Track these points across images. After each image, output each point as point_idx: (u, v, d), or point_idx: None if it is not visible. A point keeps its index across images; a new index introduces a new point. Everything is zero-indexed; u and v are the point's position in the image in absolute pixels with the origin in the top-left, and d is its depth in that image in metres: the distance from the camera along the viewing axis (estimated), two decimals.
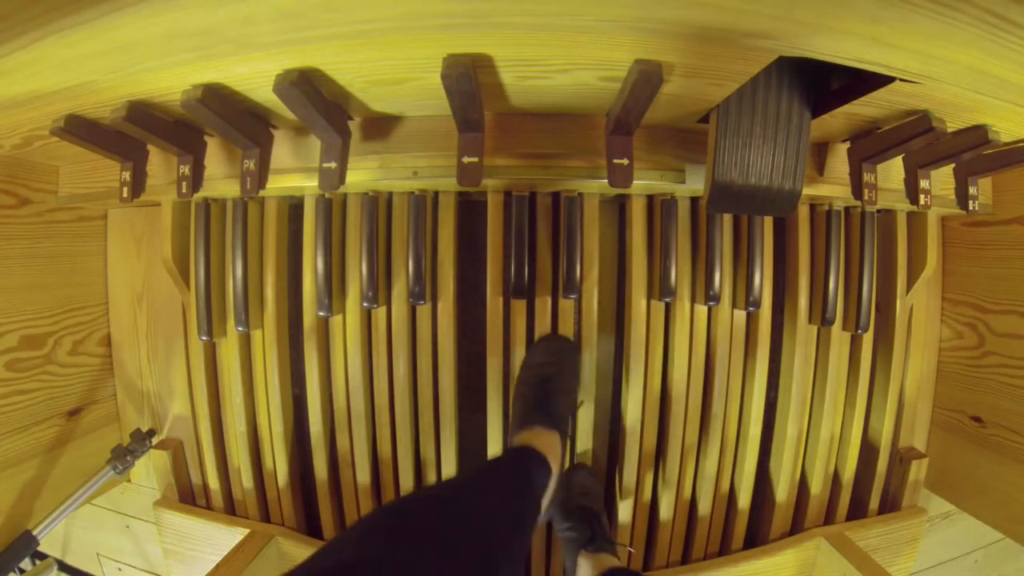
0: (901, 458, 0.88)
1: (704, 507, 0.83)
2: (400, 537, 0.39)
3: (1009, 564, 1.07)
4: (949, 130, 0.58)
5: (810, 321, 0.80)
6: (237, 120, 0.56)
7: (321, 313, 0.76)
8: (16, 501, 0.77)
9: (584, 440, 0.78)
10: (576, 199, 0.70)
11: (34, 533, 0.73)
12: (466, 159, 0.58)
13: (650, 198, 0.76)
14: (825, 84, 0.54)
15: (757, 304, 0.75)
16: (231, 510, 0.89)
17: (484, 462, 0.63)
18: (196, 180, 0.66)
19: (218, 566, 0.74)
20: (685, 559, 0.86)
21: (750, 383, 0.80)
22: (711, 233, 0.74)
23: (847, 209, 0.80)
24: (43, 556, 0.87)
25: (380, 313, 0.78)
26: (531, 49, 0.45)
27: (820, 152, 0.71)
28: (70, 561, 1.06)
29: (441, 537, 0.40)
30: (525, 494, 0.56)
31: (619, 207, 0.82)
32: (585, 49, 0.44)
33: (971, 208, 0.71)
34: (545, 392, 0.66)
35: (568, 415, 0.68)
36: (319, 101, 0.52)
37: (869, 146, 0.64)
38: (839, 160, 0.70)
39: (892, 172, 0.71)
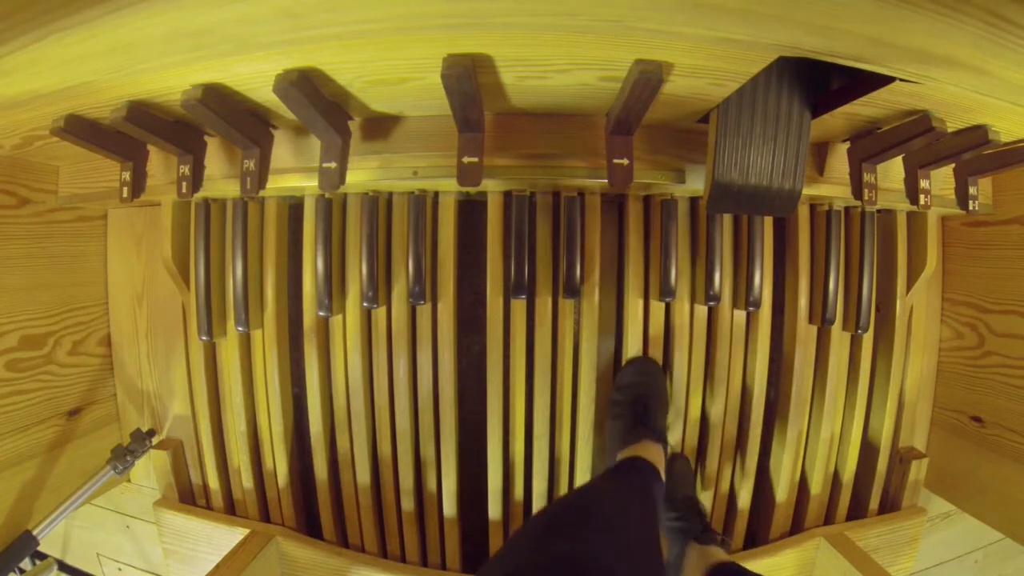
0: (901, 458, 0.88)
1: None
2: (584, 536, 0.44)
3: (1009, 564, 1.07)
4: (949, 130, 0.58)
5: (810, 321, 0.80)
6: (237, 120, 0.56)
7: (321, 313, 0.76)
8: (16, 501, 0.77)
9: (584, 440, 0.78)
10: (576, 199, 0.70)
11: (34, 533, 0.73)
12: (466, 159, 0.58)
13: (650, 198, 0.76)
14: (825, 84, 0.54)
15: (757, 304, 0.75)
16: (231, 510, 0.89)
17: (610, 474, 0.66)
18: (196, 180, 0.66)
19: (218, 566, 0.74)
20: None
21: (750, 383, 0.80)
22: (711, 233, 0.74)
23: (847, 209, 0.80)
24: (43, 556, 0.87)
25: (380, 313, 0.78)
26: (531, 49, 0.45)
27: (820, 152, 0.71)
28: (70, 561, 1.06)
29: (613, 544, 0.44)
30: (653, 504, 0.60)
31: (619, 207, 0.82)
32: (585, 49, 0.44)
33: (971, 208, 0.71)
34: (644, 408, 0.71)
35: (665, 428, 0.74)
36: (319, 101, 0.52)
37: (869, 146, 0.64)
38: (839, 160, 0.70)
39: (892, 172, 0.71)
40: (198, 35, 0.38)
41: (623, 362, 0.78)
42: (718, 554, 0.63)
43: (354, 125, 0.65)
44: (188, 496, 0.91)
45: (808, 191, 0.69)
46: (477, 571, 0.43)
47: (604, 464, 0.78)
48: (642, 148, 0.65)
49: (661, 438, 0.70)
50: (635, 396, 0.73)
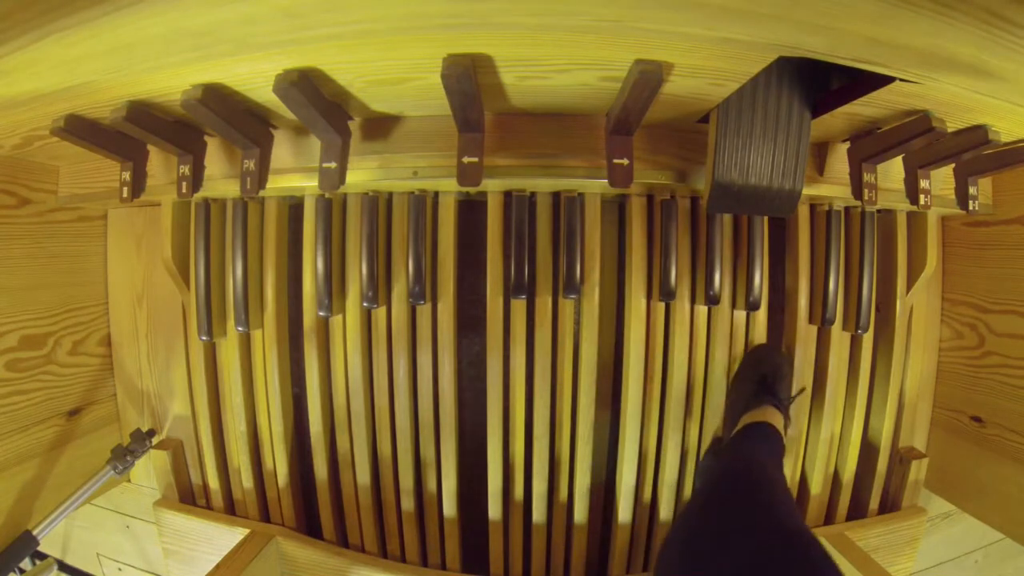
0: (901, 458, 0.88)
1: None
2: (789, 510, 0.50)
3: (1009, 564, 1.07)
4: (949, 130, 0.58)
5: (810, 321, 0.80)
6: (237, 120, 0.56)
7: (321, 313, 0.76)
8: (16, 501, 0.77)
9: (584, 440, 0.78)
10: (576, 199, 0.70)
11: (34, 533, 0.73)
12: (466, 159, 0.58)
13: (650, 198, 0.76)
14: (825, 84, 0.54)
15: (757, 304, 0.75)
16: (231, 510, 0.89)
17: (749, 441, 0.70)
18: (196, 180, 0.66)
19: (218, 566, 0.74)
20: None
21: None
22: (711, 233, 0.74)
23: (847, 209, 0.80)
24: (43, 556, 0.87)
25: (380, 313, 0.78)
26: (531, 49, 0.45)
27: (820, 152, 0.71)
28: (70, 561, 1.06)
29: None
30: (780, 464, 0.68)
31: (619, 207, 0.82)
32: (585, 49, 0.44)
33: (971, 208, 0.71)
34: (773, 380, 0.75)
35: (788, 399, 0.78)
36: (319, 101, 0.52)
37: (869, 146, 0.64)
38: (839, 160, 0.70)
39: (892, 172, 0.71)
40: (198, 35, 0.38)
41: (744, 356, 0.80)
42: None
43: (354, 125, 0.65)
44: (188, 496, 0.91)
45: (808, 191, 0.69)
46: (671, 545, 0.47)
47: (724, 428, 0.81)
48: (642, 148, 0.65)
49: (784, 408, 0.74)
50: (759, 374, 0.76)
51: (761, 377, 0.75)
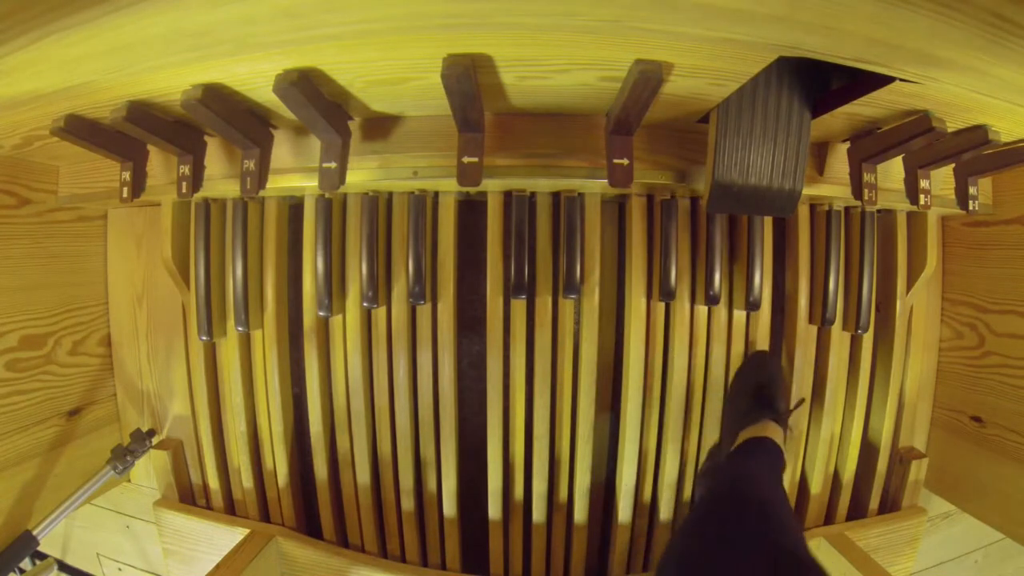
0: (901, 458, 0.88)
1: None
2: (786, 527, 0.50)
3: (1009, 564, 1.07)
4: (949, 130, 0.58)
5: (810, 321, 0.80)
6: (237, 120, 0.56)
7: (321, 313, 0.76)
8: (16, 501, 0.77)
9: (584, 440, 0.78)
10: (576, 199, 0.70)
11: (34, 533, 0.73)
12: (466, 159, 0.58)
13: (650, 198, 0.76)
14: (825, 84, 0.54)
15: (757, 304, 0.75)
16: (231, 510, 0.89)
17: (750, 457, 0.69)
18: (196, 180, 0.66)
19: (218, 566, 0.74)
20: None
21: None
22: (711, 233, 0.74)
23: (847, 209, 0.80)
24: (43, 556, 0.87)
25: (380, 313, 0.78)
26: (531, 49, 0.45)
27: (820, 152, 0.71)
28: (70, 561, 1.06)
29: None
30: (781, 479, 0.67)
31: (619, 207, 0.82)
32: (585, 49, 0.44)
33: (971, 208, 0.71)
34: (771, 394, 0.74)
35: (786, 411, 0.77)
36: (319, 101, 0.52)
37: (869, 146, 0.64)
38: (839, 160, 0.70)
39: (892, 172, 0.71)
40: (198, 35, 0.38)
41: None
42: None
43: (354, 125, 0.65)
44: (188, 496, 0.91)
45: (808, 191, 0.69)
46: (666, 568, 0.47)
47: (722, 440, 0.80)
48: (642, 148, 0.65)
49: (783, 421, 0.73)
50: (759, 378, 0.75)
51: (759, 388, 0.74)
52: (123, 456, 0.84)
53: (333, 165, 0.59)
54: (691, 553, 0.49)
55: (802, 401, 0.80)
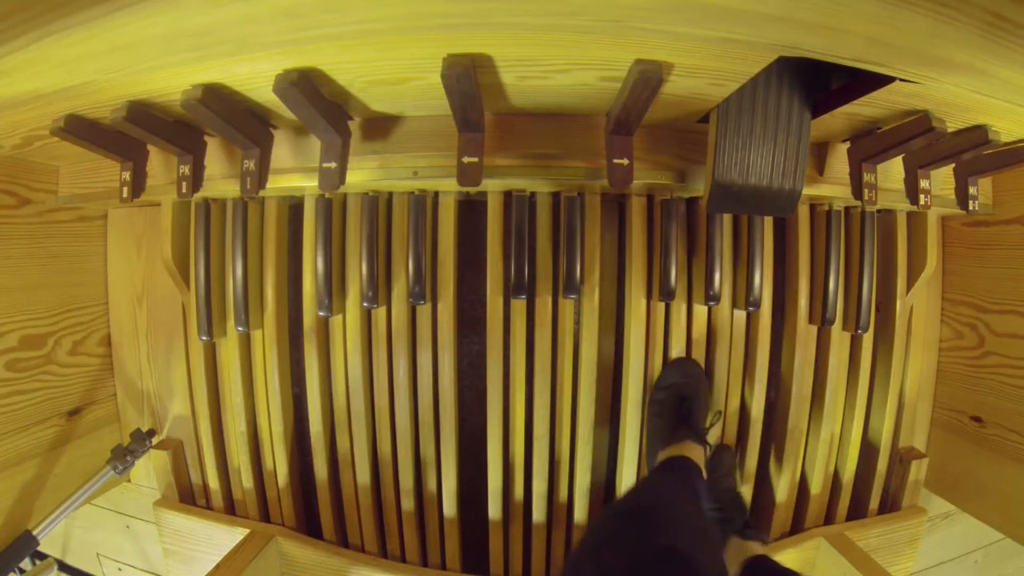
0: (901, 458, 0.88)
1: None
2: (672, 531, 0.47)
3: (1009, 564, 1.07)
4: (949, 130, 0.58)
5: (810, 321, 0.80)
6: (237, 120, 0.56)
7: (321, 313, 0.76)
8: (16, 501, 0.77)
9: (584, 440, 0.78)
10: (576, 199, 0.70)
11: (34, 533, 0.73)
12: (466, 159, 0.58)
13: (650, 198, 0.76)
14: (825, 84, 0.54)
15: (757, 304, 0.75)
16: (231, 510, 0.89)
17: (661, 473, 0.68)
18: (196, 180, 0.66)
19: (218, 566, 0.74)
20: None
21: (750, 383, 0.80)
22: (711, 233, 0.74)
23: (847, 209, 0.80)
24: (43, 556, 0.87)
25: (380, 313, 0.78)
26: (531, 49, 0.45)
27: (820, 152, 0.71)
28: (70, 561, 1.06)
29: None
30: (700, 501, 0.63)
31: (619, 207, 0.82)
32: (585, 49, 0.44)
33: (971, 208, 0.71)
34: (688, 410, 0.73)
35: (705, 429, 0.76)
36: (319, 101, 0.52)
37: (869, 146, 0.64)
38: (839, 160, 0.70)
39: (892, 172, 0.71)
40: (198, 35, 0.38)
41: (663, 363, 0.78)
42: (755, 548, 0.65)
43: (354, 125, 0.65)
44: (188, 496, 0.91)
45: (808, 191, 0.69)
46: (567, 567, 0.46)
47: (645, 459, 0.79)
48: (642, 148, 0.65)
49: (702, 439, 0.72)
50: (678, 396, 0.74)
51: (678, 402, 0.73)
52: (123, 456, 0.84)
53: (333, 165, 0.59)
54: (576, 553, 0.49)
55: (719, 416, 0.79)
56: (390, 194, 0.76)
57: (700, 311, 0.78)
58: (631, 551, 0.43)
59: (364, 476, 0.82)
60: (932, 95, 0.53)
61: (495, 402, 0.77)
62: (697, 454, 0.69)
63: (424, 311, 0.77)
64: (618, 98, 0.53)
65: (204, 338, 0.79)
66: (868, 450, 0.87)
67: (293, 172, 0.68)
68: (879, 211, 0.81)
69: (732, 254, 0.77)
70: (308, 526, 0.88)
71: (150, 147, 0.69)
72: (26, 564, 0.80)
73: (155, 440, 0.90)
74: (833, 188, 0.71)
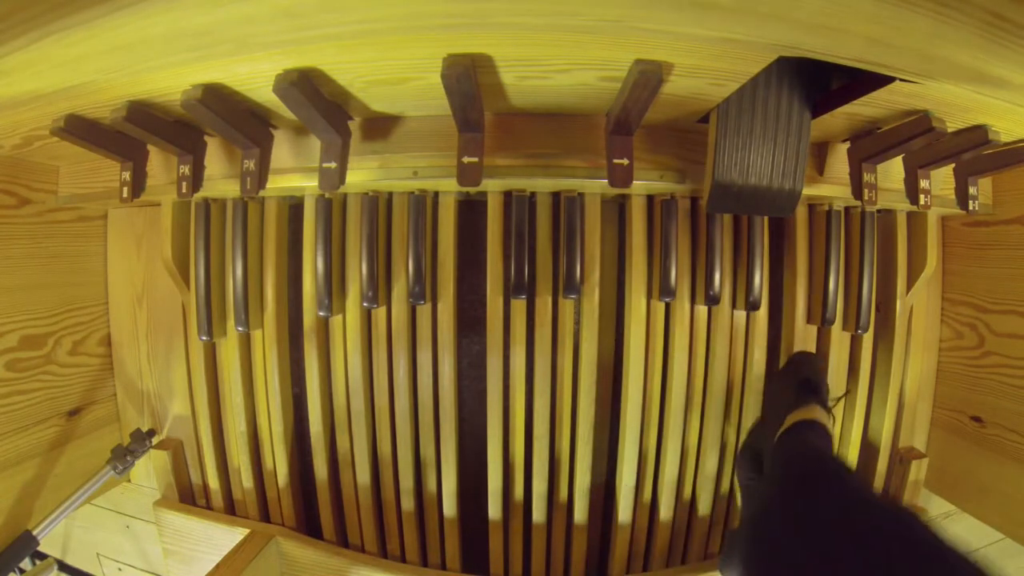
0: (901, 458, 0.88)
1: (704, 507, 0.83)
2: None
3: (1009, 564, 1.06)
4: (949, 130, 0.58)
5: (810, 321, 0.80)
6: (237, 120, 0.56)
7: (321, 313, 0.76)
8: (16, 501, 0.77)
9: (584, 440, 0.78)
10: (576, 199, 0.70)
11: (34, 533, 0.73)
12: (466, 159, 0.58)
13: (650, 198, 0.76)
14: (825, 84, 0.54)
15: (757, 304, 0.75)
16: (231, 510, 0.89)
17: (801, 430, 0.68)
18: (196, 180, 0.66)
19: (218, 566, 0.74)
20: (684, 559, 0.86)
21: (750, 383, 0.80)
22: (711, 233, 0.74)
23: (847, 209, 0.80)
24: (43, 556, 0.87)
25: (380, 313, 0.78)
26: (531, 49, 0.45)
27: (820, 152, 0.71)
28: (70, 561, 1.06)
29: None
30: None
31: (619, 207, 0.82)
32: (585, 49, 0.44)
33: (971, 208, 0.71)
34: (816, 382, 0.74)
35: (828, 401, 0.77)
36: (319, 101, 0.52)
37: (869, 146, 0.64)
38: (839, 160, 0.70)
39: (892, 172, 0.71)
40: (198, 35, 0.38)
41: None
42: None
43: (354, 125, 0.65)
44: (188, 496, 0.91)
45: (808, 191, 0.69)
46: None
47: (767, 422, 0.79)
48: (642, 148, 0.65)
49: (828, 407, 0.73)
50: (803, 372, 0.76)
51: (803, 380, 0.75)
52: (123, 456, 0.84)
53: (333, 165, 0.59)
54: (787, 538, 0.46)
55: (848, 392, 0.80)
56: (390, 194, 0.76)
57: (700, 311, 0.78)
58: (871, 527, 0.42)
59: (364, 476, 0.82)
60: (932, 95, 0.53)
61: (495, 402, 0.77)
62: (826, 420, 0.70)
63: (424, 311, 0.77)
64: (618, 98, 0.53)
65: (204, 338, 0.79)
66: (868, 450, 0.87)
67: (293, 172, 0.68)
68: (879, 211, 0.81)
69: (732, 254, 0.77)
70: (308, 526, 0.88)
71: (150, 147, 0.69)
72: (26, 564, 0.80)
73: (155, 440, 0.90)
74: (833, 188, 0.71)
